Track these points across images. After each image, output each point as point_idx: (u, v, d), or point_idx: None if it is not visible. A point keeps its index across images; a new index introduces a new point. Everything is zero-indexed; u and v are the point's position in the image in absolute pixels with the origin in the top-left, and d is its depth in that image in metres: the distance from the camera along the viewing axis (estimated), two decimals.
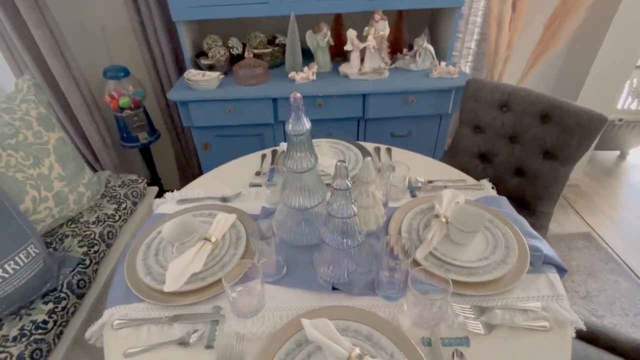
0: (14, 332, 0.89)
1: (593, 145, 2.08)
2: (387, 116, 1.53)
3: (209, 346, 0.65)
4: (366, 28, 1.46)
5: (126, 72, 1.58)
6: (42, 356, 0.89)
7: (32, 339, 0.89)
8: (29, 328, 0.90)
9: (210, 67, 1.54)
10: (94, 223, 1.22)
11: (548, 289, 0.73)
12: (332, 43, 1.55)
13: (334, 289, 0.73)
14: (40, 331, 0.91)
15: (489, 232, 0.83)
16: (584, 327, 0.67)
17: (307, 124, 0.70)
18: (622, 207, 2.11)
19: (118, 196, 1.35)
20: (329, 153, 1.13)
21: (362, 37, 1.47)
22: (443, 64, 1.49)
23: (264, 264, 0.75)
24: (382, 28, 1.46)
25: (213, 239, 0.80)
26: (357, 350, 0.57)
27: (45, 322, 0.93)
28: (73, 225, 1.21)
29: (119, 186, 1.40)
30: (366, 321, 0.66)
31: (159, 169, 1.93)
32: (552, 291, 0.72)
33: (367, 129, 1.60)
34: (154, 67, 1.70)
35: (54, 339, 0.94)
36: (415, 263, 0.75)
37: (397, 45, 1.70)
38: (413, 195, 0.99)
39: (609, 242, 1.86)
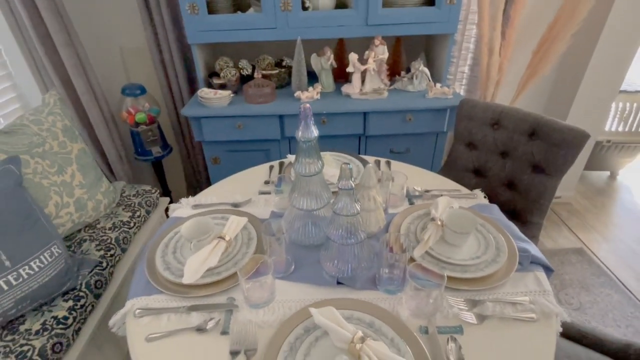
0: (37, 326, 0.94)
1: (582, 163, 2.19)
2: (387, 133, 1.63)
3: (224, 332, 0.71)
4: (367, 52, 1.58)
5: (142, 90, 1.69)
6: (62, 350, 0.95)
7: (53, 333, 0.94)
8: (50, 323, 0.96)
9: (222, 86, 1.66)
10: (110, 229, 1.29)
11: (535, 285, 0.79)
12: (335, 65, 1.67)
13: (338, 283, 0.80)
14: (60, 326, 0.96)
15: (480, 235, 0.90)
16: (568, 319, 0.74)
17: (315, 132, 0.78)
18: (613, 224, 2.18)
19: (133, 205, 1.42)
20: (332, 164, 1.21)
21: (363, 60, 1.59)
22: (438, 85, 1.60)
23: (273, 261, 0.82)
24: (381, 52, 1.58)
25: (227, 238, 0.87)
26: (360, 333, 0.63)
27: (65, 318, 0.98)
28: (90, 231, 1.28)
29: (134, 195, 1.48)
30: (368, 311, 0.72)
31: (168, 182, 2.01)
32: (539, 287, 0.79)
33: (367, 145, 1.70)
34: (168, 85, 1.82)
35: (72, 335, 0.99)
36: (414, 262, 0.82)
37: (396, 68, 1.82)
38: (411, 203, 1.07)
39: (601, 257, 1.92)
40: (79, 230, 1.28)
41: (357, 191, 0.89)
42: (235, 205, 1.08)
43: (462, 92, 2.09)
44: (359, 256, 0.81)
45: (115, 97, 1.79)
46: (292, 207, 0.88)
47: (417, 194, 1.10)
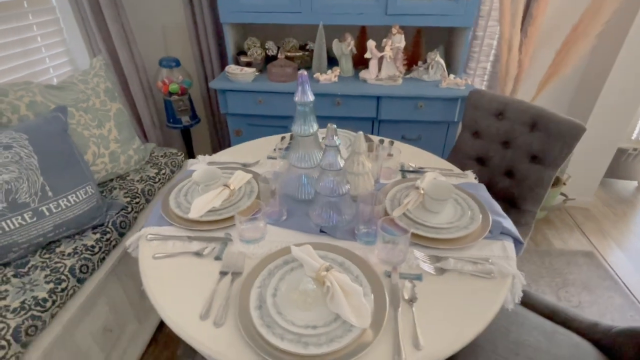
0: (69, 249, 1.12)
1: (602, 169, 2.14)
2: (399, 119, 1.70)
3: (217, 258, 0.84)
4: (384, 40, 1.66)
5: (177, 63, 1.86)
6: (87, 272, 1.12)
7: (82, 256, 1.11)
8: (80, 249, 1.13)
9: (248, 64, 1.79)
10: (137, 181, 1.46)
11: (500, 251, 0.86)
12: (355, 52, 1.76)
13: (322, 231, 0.90)
14: (88, 252, 1.13)
15: (459, 207, 0.97)
16: (524, 282, 0.80)
17: (311, 97, 0.89)
18: (632, 233, 2.13)
19: (159, 164, 1.59)
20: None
21: (380, 48, 1.67)
22: (452, 76, 1.65)
23: (268, 209, 0.94)
24: (398, 41, 1.65)
25: (231, 187, 1.00)
26: (327, 264, 0.73)
27: (92, 246, 1.15)
28: (121, 181, 1.45)
29: (161, 156, 1.65)
30: (341, 253, 0.82)
31: (195, 150, 2.20)
32: (503, 253, 0.85)
33: (380, 129, 1.78)
34: (201, 60, 1.99)
35: (97, 262, 1.16)
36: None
37: (415, 59, 1.88)
38: (403, 177, 1.15)
39: (611, 262, 1.90)
40: (111, 180, 1.46)
41: (349, 157, 0.99)
42: (245, 165, 1.20)
43: (483, 88, 2.11)
44: (342, 209, 0.91)
45: (154, 68, 1.97)
46: (289, 165, 0.99)
47: (410, 169, 1.18)
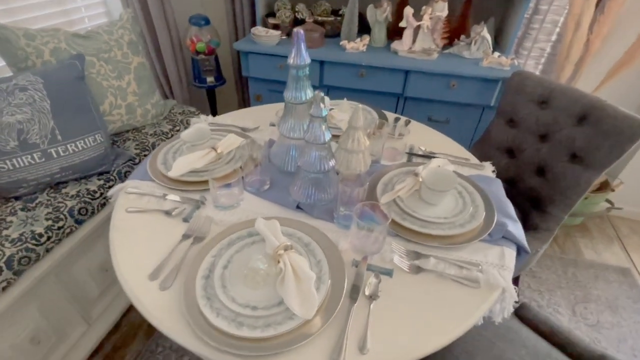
0: (73, 192, 1.16)
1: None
2: (427, 97, 1.54)
3: (185, 220, 0.81)
4: (424, 7, 1.48)
5: (207, 21, 1.82)
6: (86, 214, 1.16)
7: (83, 199, 1.15)
8: (83, 192, 1.17)
9: (275, 27, 1.71)
10: (151, 135, 1.48)
11: (497, 258, 0.74)
12: (390, 20, 1.60)
13: (299, 207, 0.84)
14: (89, 196, 1.17)
15: (461, 201, 0.85)
16: (515, 298, 0.69)
17: (307, 59, 0.80)
18: None
19: (176, 120, 1.60)
20: (347, 111, 1.21)
21: (419, 17, 1.50)
22: (496, 54, 1.44)
23: (249, 177, 0.89)
24: (440, 9, 1.47)
25: (219, 150, 0.96)
26: (288, 244, 0.67)
27: (94, 191, 1.19)
28: (136, 133, 1.48)
29: (179, 113, 1.65)
30: (310, 234, 0.75)
31: (219, 112, 2.19)
32: (499, 261, 0.73)
33: (405, 107, 1.63)
34: (234, 21, 1.93)
35: (97, 206, 1.20)
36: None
37: (459, 32, 1.68)
38: (409, 160, 1.04)
39: None
40: (127, 131, 1.49)
41: (345, 131, 0.90)
42: (244, 129, 1.16)
43: (537, 73, 1.84)
44: (324, 187, 0.83)
45: (185, 27, 1.96)
46: (280, 134, 0.93)
47: (420, 152, 1.06)
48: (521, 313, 0.91)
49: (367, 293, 0.66)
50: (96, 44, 1.38)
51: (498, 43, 1.63)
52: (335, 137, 1.02)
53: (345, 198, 0.77)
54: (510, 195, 0.92)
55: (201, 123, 1.18)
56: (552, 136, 1.17)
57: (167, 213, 0.82)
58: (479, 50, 1.52)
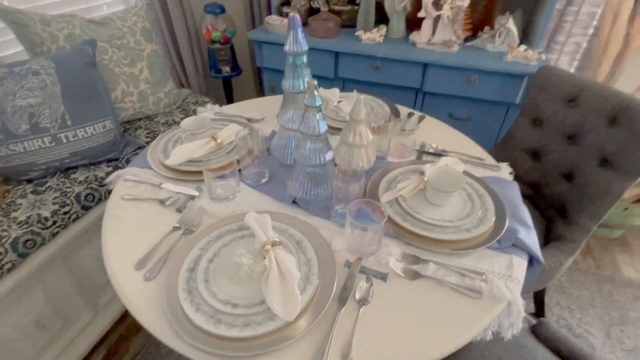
0: (81, 177, 1.17)
1: None
2: (447, 93, 1.46)
3: (179, 210, 0.79)
4: None
5: (222, 10, 1.80)
6: (93, 200, 1.17)
7: (90, 186, 1.16)
8: (91, 178, 1.18)
9: None
10: (162, 124, 1.48)
11: (504, 268, 0.67)
12: (409, 9, 1.52)
13: (294, 202, 0.80)
14: (97, 183, 1.18)
15: (470, 204, 0.79)
16: (523, 313, 0.62)
17: (305, 46, 0.75)
18: None
19: (189, 109, 1.59)
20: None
21: (439, 6, 1.42)
22: (522, 47, 1.34)
23: (247, 170, 0.86)
24: None
25: (218, 140, 0.93)
26: (276, 240, 0.64)
27: (102, 178, 1.20)
28: (148, 121, 1.49)
29: (193, 103, 1.65)
30: (303, 231, 0.72)
31: (235, 102, 2.18)
32: (507, 271, 0.67)
33: (424, 103, 1.55)
34: (251, 9, 1.91)
35: (105, 194, 1.21)
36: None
37: (483, 23, 1.58)
38: (418, 157, 0.98)
39: None
40: (140, 119, 1.50)
41: (347, 124, 0.85)
42: (249, 120, 1.13)
43: (572, 70, 1.71)
44: (321, 182, 0.79)
45: (201, 16, 1.95)
46: (279, 125, 0.89)
47: (431, 150, 0.99)
48: (538, 330, 0.83)
49: (357, 297, 0.61)
50: (109, 30, 1.39)
51: (527, 36, 1.52)
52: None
53: (341, 194, 0.73)
54: (533, 201, 0.85)
55: (206, 112, 1.16)
56: (582, 138, 1.07)
57: (162, 202, 0.80)
58: (503, 43, 1.42)
